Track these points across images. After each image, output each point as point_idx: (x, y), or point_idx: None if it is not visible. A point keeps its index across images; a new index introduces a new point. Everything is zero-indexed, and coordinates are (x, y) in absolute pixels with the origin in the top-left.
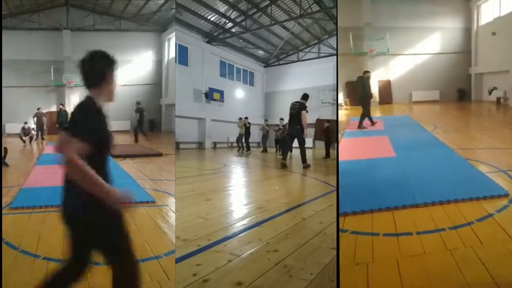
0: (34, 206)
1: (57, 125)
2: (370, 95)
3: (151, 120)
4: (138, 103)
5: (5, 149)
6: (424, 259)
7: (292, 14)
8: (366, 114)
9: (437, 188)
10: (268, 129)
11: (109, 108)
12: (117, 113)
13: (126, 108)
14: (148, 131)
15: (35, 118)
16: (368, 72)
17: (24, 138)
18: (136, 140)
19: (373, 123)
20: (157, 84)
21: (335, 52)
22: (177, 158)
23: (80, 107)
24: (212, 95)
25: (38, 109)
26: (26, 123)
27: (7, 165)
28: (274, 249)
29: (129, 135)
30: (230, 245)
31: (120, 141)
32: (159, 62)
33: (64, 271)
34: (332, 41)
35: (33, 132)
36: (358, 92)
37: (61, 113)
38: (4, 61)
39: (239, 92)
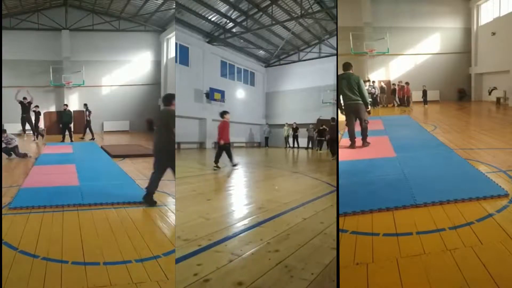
0: (33, 206)
1: (61, 125)
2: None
3: (149, 120)
4: (85, 105)
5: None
6: (424, 259)
7: (293, 14)
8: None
9: (437, 188)
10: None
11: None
12: (116, 113)
13: (125, 109)
14: (147, 131)
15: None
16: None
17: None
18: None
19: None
20: (156, 84)
21: (336, 52)
22: (178, 158)
23: None
24: (213, 95)
25: (34, 106)
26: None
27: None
28: (275, 249)
29: (128, 135)
30: (231, 245)
31: (119, 141)
32: (158, 62)
33: None
34: (333, 41)
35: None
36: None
37: (66, 113)
38: (3, 61)
39: (240, 92)
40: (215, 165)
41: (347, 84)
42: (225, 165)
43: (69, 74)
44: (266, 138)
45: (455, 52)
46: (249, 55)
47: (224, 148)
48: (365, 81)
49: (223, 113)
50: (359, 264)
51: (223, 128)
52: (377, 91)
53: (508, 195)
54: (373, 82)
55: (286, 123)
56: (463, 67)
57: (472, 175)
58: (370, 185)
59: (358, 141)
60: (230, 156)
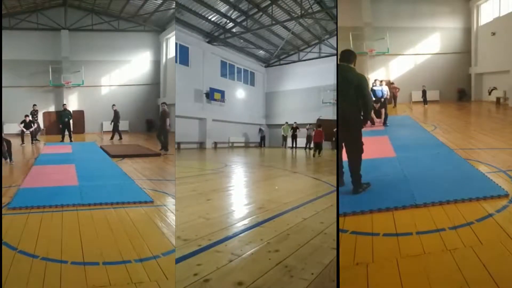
0: (32, 206)
1: (60, 125)
2: None
3: (149, 120)
4: (34, 105)
5: (9, 142)
6: (424, 259)
7: (293, 14)
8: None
9: (437, 188)
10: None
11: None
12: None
13: (124, 109)
14: (146, 131)
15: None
16: None
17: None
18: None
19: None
20: (155, 84)
21: (336, 52)
22: (178, 158)
23: None
24: (213, 95)
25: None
26: (27, 115)
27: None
28: (275, 249)
29: (128, 135)
30: (231, 245)
31: (118, 141)
32: (157, 62)
33: None
34: (333, 41)
35: (34, 126)
36: None
37: (65, 113)
38: (2, 61)
39: (240, 92)
40: (318, 155)
41: (342, 85)
42: (225, 165)
43: (68, 74)
44: (263, 138)
45: (455, 52)
46: (249, 55)
47: (318, 144)
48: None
49: (319, 125)
50: (359, 264)
51: (319, 134)
52: (386, 94)
53: (508, 195)
54: (381, 82)
55: (286, 122)
56: (463, 67)
57: (472, 175)
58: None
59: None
60: (320, 149)
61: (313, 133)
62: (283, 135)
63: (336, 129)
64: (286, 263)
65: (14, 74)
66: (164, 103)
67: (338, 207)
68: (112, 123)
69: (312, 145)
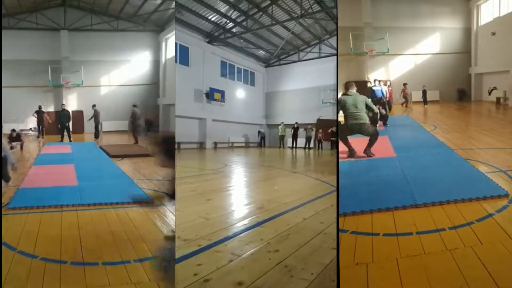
0: (31, 206)
1: (59, 125)
2: None
3: (148, 120)
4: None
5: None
6: (424, 259)
7: (293, 14)
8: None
9: (437, 188)
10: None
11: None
12: (115, 113)
13: (124, 108)
14: (145, 131)
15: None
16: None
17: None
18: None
19: None
20: (155, 84)
21: (336, 52)
22: (178, 158)
23: None
24: (213, 95)
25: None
26: (14, 130)
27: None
28: (275, 249)
29: (127, 135)
30: (231, 245)
31: (118, 141)
32: (156, 62)
33: None
34: (333, 41)
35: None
36: None
37: (64, 113)
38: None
39: (240, 92)
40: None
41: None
42: (225, 165)
43: (67, 74)
44: (263, 138)
45: (455, 52)
46: (249, 55)
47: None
48: (367, 82)
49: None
50: (359, 264)
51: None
52: (385, 94)
53: (508, 195)
54: (380, 82)
55: (282, 122)
56: (463, 67)
57: (472, 175)
58: (370, 185)
59: (353, 142)
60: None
61: (312, 133)
62: (280, 135)
63: (336, 129)
64: (286, 263)
65: (13, 74)
66: (134, 105)
67: (338, 207)
68: (95, 123)
69: (311, 145)
